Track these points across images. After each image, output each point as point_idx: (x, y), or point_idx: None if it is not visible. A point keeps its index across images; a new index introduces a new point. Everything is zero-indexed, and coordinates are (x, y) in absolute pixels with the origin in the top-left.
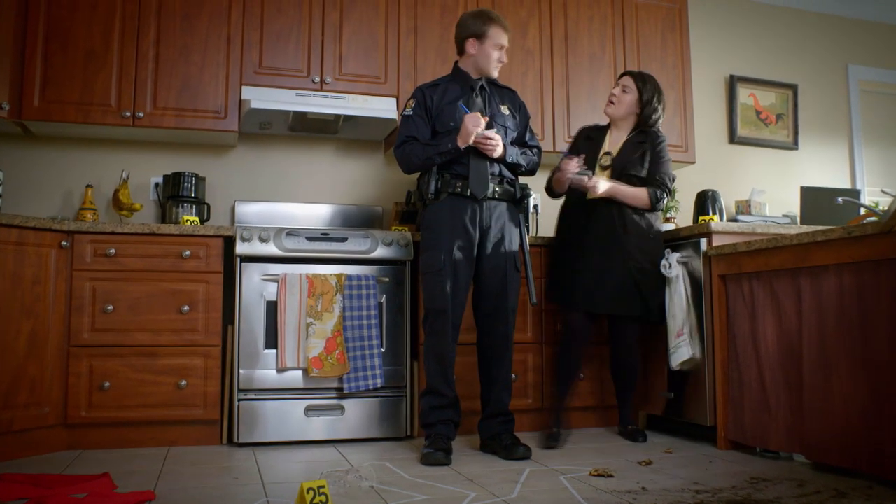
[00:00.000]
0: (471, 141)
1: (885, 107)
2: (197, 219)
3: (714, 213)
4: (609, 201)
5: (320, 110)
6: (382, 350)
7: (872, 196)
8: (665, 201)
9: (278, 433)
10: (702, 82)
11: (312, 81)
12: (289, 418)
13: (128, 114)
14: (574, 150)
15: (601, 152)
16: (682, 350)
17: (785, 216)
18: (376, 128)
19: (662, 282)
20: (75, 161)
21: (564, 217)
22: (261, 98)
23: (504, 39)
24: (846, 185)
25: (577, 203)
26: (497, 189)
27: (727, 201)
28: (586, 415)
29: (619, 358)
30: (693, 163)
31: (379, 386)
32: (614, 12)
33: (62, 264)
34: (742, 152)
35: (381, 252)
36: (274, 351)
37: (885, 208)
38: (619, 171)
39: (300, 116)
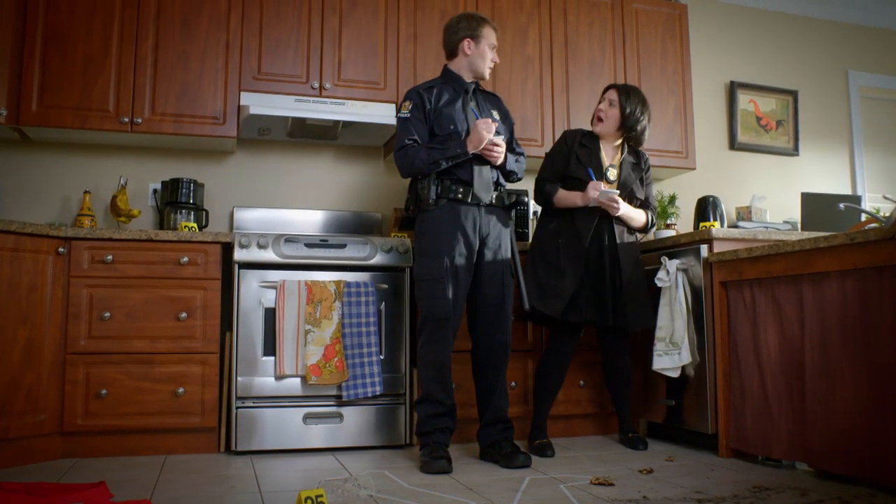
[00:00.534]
0: (482, 147)
1: (885, 113)
2: (195, 225)
3: (715, 219)
4: (610, 218)
5: (319, 116)
6: (381, 357)
7: (873, 202)
8: (655, 226)
9: (276, 441)
10: (702, 88)
11: (311, 87)
12: (287, 426)
13: (126, 119)
14: (571, 155)
15: (605, 165)
16: (676, 357)
17: (786, 222)
18: (375, 134)
19: (646, 292)
20: (73, 167)
21: (557, 230)
22: (260, 104)
23: (496, 39)
24: (847, 191)
25: (575, 217)
26: (493, 194)
27: (727, 207)
28: (586, 422)
29: (611, 367)
30: (693, 169)
31: (378, 393)
32: (614, 18)
33: (59, 271)
34: (742, 158)
35: (380, 259)
36: (272, 358)
37: (887, 214)
38: (624, 190)
39: (299, 122)
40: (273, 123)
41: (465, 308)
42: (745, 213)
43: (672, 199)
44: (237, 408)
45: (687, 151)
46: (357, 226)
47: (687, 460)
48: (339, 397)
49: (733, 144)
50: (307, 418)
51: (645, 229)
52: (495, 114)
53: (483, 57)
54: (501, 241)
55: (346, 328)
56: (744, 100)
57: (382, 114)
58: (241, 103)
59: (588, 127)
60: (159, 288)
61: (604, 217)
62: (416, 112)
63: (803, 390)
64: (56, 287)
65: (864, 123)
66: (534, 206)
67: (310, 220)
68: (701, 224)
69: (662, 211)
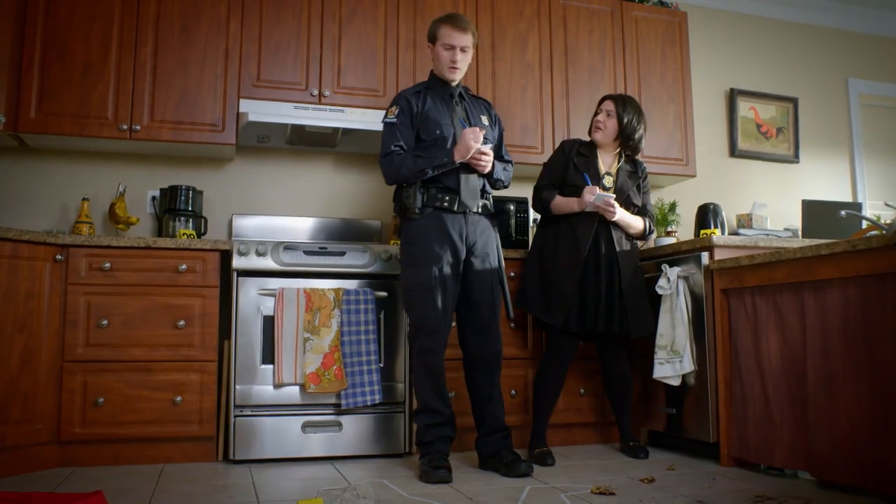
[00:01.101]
0: (469, 156)
1: (885, 120)
2: (194, 232)
3: (715, 226)
4: (608, 225)
5: (319, 123)
6: (381, 366)
7: (874, 209)
8: (654, 233)
9: (275, 450)
10: (702, 96)
11: (311, 94)
12: (285, 435)
13: (125, 126)
14: (568, 164)
15: (601, 173)
16: (677, 365)
17: (786, 230)
18: (375, 141)
19: (646, 299)
20: (71, 174)
21: (556, 237)
22: (259, 111)
23: (454, 39)
24: (847, 198)
25: (574, 224)
26: (479, 204)
27: (728, 215)
28: (587, 431)
29: (610, 375)
30: (693, 176)
31: (377, 402)
32: (614, 26)
33: (57, 278)
34: (743, 166)
35: (379, 267)
36: (271, 366)
37: (889, 221)
38: (620, 196)
39: (298, 130)
40: (272, 131)
41: (455, 317)
42: (745, 221)
43: (672, 206)
44: (235, 416)
45: (687, 159)
46: (356, 233)
47: (688, 469)
48: (337, 406)
49: (734, 152)
50: (306, 427)
51: (643, 236)
52: (484, 119)
53: (438, 59)
54: (489, 248)
55: (345, 336)
56: (744, 107)
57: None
58: (241, 110)
59: (586, 137)
60: (157, 296)
61: (602, 224)
62: (402, 117)
63: (805, 399)
64: (53, 294)
65: (864, 131)
66: (533, 214)
67: (309, 228)
68: (702, 231)
69: (663, 218)
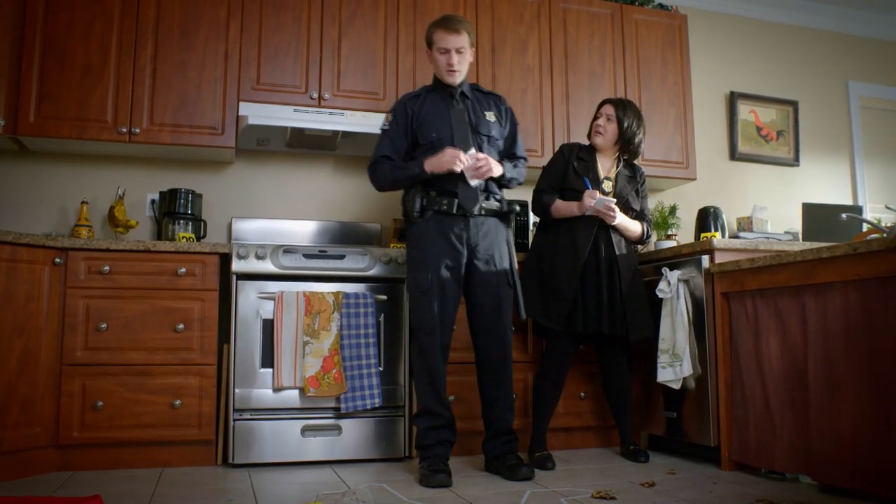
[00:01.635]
0: (443, 171)
1: (885, 123)
2: (193, 236)
3: (716, 229)
4: (608, 229)
5: (318, 126)
6: (380, 369)
7: (874, 213)
8: (653, 237)
9: (274, 454)
10: (702, 99)
11: (310, 97)
12: (285, 439)
13: (124, 130)
14: (568, 167)
15: (601, 177)
16: (678, 368)
17: (787, 233)
18: (374, 144)
19: (645, 301)
20: (71, 177)
21: (556, 241)
22: (258, 114)
23: (448, 42)
24: (848, 201)
25: (574, 227)
26: (484, 205)
27: (728, 218)
28: (587, 435)
29: (610, 379)
30: (694, 179)
31: (377, 406)
32: (614, 29)
33: (56, 281)
34: (743, 169)
35: (378, 270)
36: (270, 370)
37: (889, 224)
38: (619, 200)
39: (298, 133)
40: (272, 134)
41: (466, 319)
42: (746, 224)
43: (673, 209)
44: (235, 420)
45: (687, 162)
46: (356, 237)
47: (689, 473)
48: (337, 409)
49: (734, 155)
50: (305, 431)
51: (641, 240)
52: (490, 116)
53: (436, 63)
54: (495, 250)
55: (345, 340)
56: (744, 110)
57: (381, 124)
58: (240, 113)
59: (585, 140)
60: (157, 299)
61: (602, 227)
62: (394, 125)
63: (806, 402)
64: (52, 298)
65: (864, 134)
66: (533, 217)
67: (308, 231)
68: (702, 235)
69: (663, 221)
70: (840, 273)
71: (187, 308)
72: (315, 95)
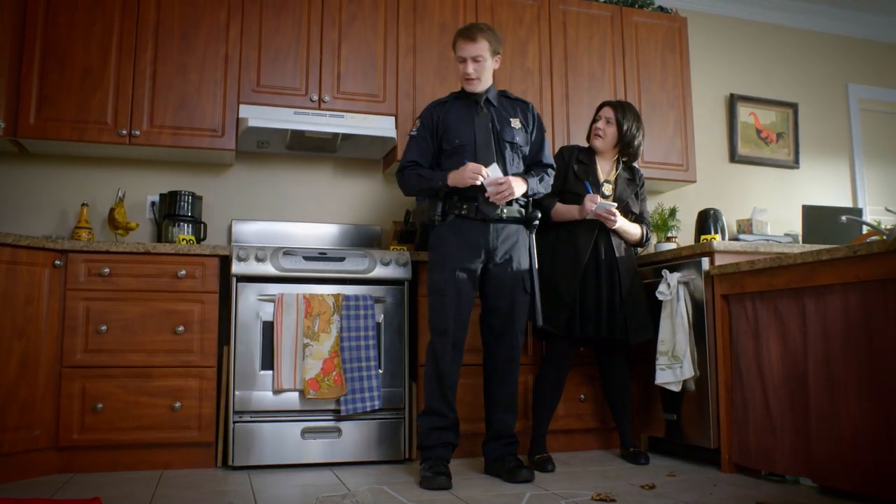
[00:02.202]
0: (465, 185)
1: (885, 125)
2: (193, 238)
3: (716, 232)
4: (608, 232)
5: (318, 129)
6: (380, 371)
7: (874, 215)
8: (652, 240)
9: (274, 456)
10: (702, 101)
11: (310, 100)
12: (285, 441)
13: (124, 132)
14: (568, 171)
15: (601, 180)
16: (678, 370)
17: (787, 235)
18: (375, 146)
19: (645, 304)
20: (71, 179)
21: (556, 244)
22: (258, 116)
23: (463, 50)
24: (848, 203)
25: (575, 231)
26: (505, 210)
27: (728, 220)
28: (587, 437)
29: (610, 381)
30: (694, 182)
31: (377, 408)
32: (614, 32)
33: (55, 284)
34: (743, 171)
35: (379, 272)
36: (270, 372)
37: (889, 227)
38: (619, 204)
39: (298, 135)
40: (272, 136)
41: (478, 321)
42: (745, 226)
43: (672, 211)
44: (235, 422)
45: (687, 164)
46: (356, 239)
47: (689, 475)
48: (337, 412)
49: (734, 157)
50: (305, 433)
51: (640, 243)
52: (515, 122)
53: (457, 71)
54: (513, 255)
55: (345, 342)
56: (744, 112)
57: (381, 126)
58: (240, 116)
59: (585, 143)
60: (156, 301)
61: (602, 231)
62: (422, 131)
63: (806, 404)
64: (52, 300)
65: (864, 136)
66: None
67: (308, 233)
68: (702, 237)
69: (663, 223)
70: (840, 275)
71: (187, 310)
72: (315, 98)
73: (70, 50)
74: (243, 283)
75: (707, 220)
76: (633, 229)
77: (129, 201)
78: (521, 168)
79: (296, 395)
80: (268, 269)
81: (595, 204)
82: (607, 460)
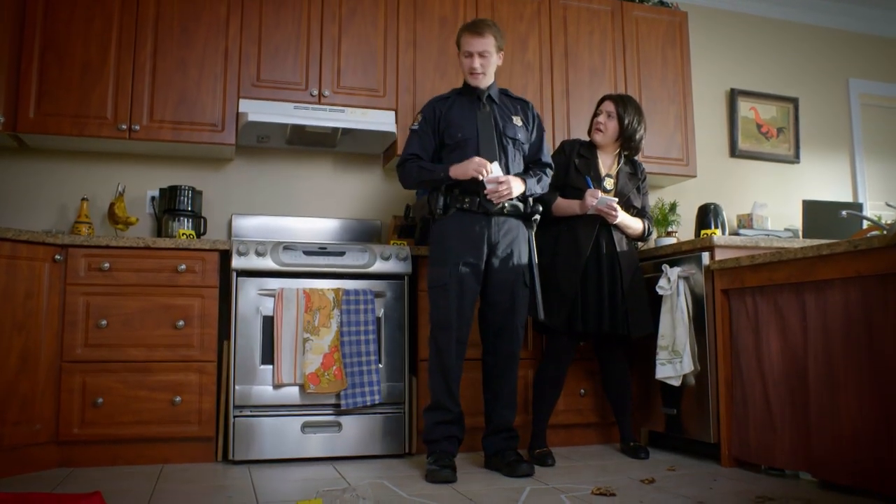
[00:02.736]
0: (468, 178)
1: (886, 120)
2: (193, 233)
3: (716, 226)
4: (609, 227)
5: (318, 123)
6: (381, 366)
7: (875, 210)
8: (653, 234)
9: (274, 450)
10: (702, 96)
11: (311, 94)
12: (285, 435)
13: (124, 126)
14: (569, 165)
15: (602, 174)
16: (678, 365)
17: (787, 230)
18: (375, 141)
19: (646, 299)
20: (71, 174)
21: (556, 239)
22: (258, 111)
23: (471, 45)
24: (848, 198)
25: (576, 226)
26: (506, 204)
27: (728, 215)
28: (587, 431)
29: (610, 376)
30: (694, 176)
31: (377, 402)
32: (614, 27)
33: (55, 278)
34: (743, 166)
35: (379, 266)
36: (270, 367)
37: (890, 222)
38: (621, 198)
39: (298, 130)
40: (272, 131)
41: (477, 316)
42: (746, 221)
43: (673, 206)
44: (235, 417)
45: (688, 159)
46: (356, 233)
47: (689, 470)
48: (337, 406)
49: (734, 152)
50: (306, 427)
51: (642, 238)
52: (516, 120)
53: (462, 66)
54: (514, 249)
55: (345, 336)
56: (744, 107)
57: (381, 121)
58: (240, 110)
59: (585, 137)
60: (156, 296)
61: (603, 226)
62: (424, 125)
63: (806, 399)
64: (52, 295)
65: (864, 131)
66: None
67: (308, 228)
68: (702, 232)
69: (663, 218)
70: (840, 270)
71: (187, 305)
72: (315, 92)
73: (70, 45)
74: (243, 278)
75: (707, 215)
76: (634, 224)
77: (129, 196)
78: (522, 165)
79: (296, 389)
80: (268, 263)
81: (596, 199)
82: (607, 455)
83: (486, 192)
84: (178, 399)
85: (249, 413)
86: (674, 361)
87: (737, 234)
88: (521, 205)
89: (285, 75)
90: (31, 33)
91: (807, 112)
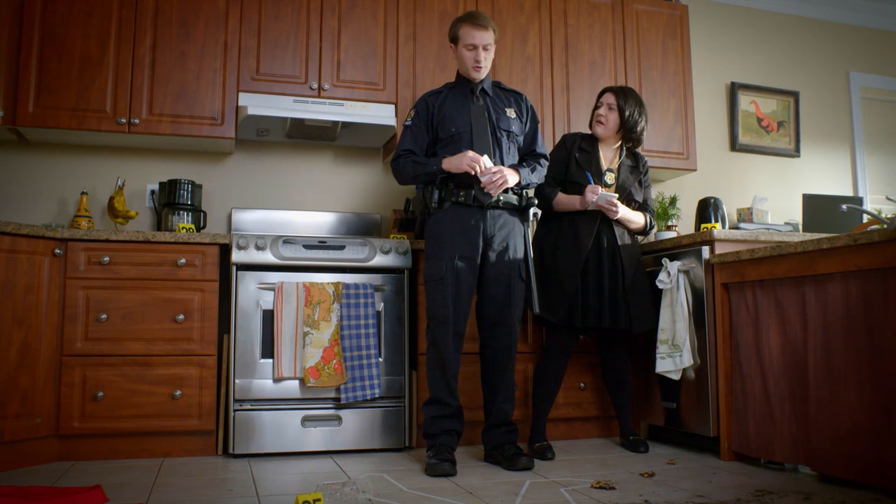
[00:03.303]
0: (461, 171)
1: (886, 114)
2: (193, 226)
3: (716, 220)
4: (610, 221)
5: (318, 117)
6: (381, 359)
7: (875, 203)
8: (654, 228)
9: (274, 444)
10: (703, 89)
11: (310, 88)
12: (285, 429)
13: (123, 120)
14: (570, 159)
15: (603, 169)
16: (678, 359)
17: (787, 224)
18: (375, 135)
19: (648, 293)
20: (70, 168)
21: (557, 234)
22: (258, 105)
23: (476, 38)
24: (848, 192)
25: (577, 221)
26: (501, 198)
27: (729, 209)
28: (587, 425)
29: (610, 369)
30: (694, 170)
31: (377, 396)
32: (615, 20)
33: (55, 272)
34: (743, 160)
35: (379, 260)
36: (270, 360)
37: (890, 215)
38: (622, 192)
39: (298, 123)
40: (271, 124)
41: (474, 309)
42: (746, 215)
43: (673, 200)
44: (235, 410)
45: (688, 153)
46: (356, 227)
47: (688, 463)
48: (337, 400)
49: (734, 145)
50: (306, 421)
51: (643, 231)
52: (510, 112)
53: (462, 60)
54: (509, 242)
55: (345, 330)
56: (745, 101)
57: (381, 114)
58: (240, 104)
59: (586, 130)
60: (156, 290)
61: (604, 220)
62: (416, 120)
63: (806, 393)
64: (52, 289)
65: (865, 125)
66: (533, 209)
67: (308, 222)
68: (702, 225)
69: (663, 212)
70: (840, 264)
71: (187, 299)
72: (315, 86)
73: (69, 38)
74: (243, 272)
75: (707, 209)
76: (635, 218)
77: (129, 190)
78: (517, 157)
79: (296, 383)
80: (268, 257)
81: (596, 195)
82: (607, 448)
83: (482, 184)
84: (178, 393)
85: (249, 407)
86: (674, 355)
87: (737, 227)
88: (516, 199)
89: (285, 69)
90: (30, 27)
91: (807, 106)
